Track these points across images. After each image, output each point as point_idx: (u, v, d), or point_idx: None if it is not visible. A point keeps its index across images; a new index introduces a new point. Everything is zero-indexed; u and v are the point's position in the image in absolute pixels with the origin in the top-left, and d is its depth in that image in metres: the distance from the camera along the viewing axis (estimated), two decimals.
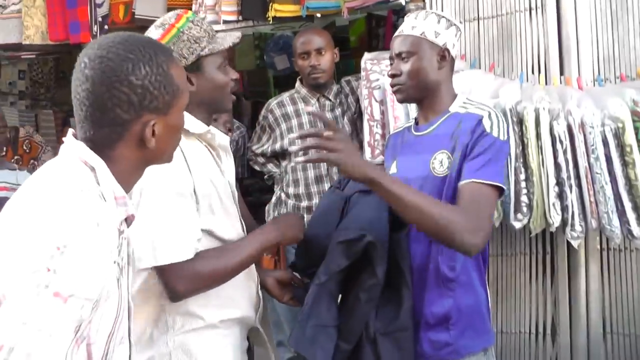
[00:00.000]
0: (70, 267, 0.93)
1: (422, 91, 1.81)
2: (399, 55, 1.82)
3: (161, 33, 1.57)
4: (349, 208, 1.79)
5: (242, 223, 1.70)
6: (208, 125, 1.63)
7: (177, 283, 1.46)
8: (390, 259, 1.68)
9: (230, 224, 1.62)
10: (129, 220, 1.15)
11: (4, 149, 2.98)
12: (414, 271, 1.74)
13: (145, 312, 1.51)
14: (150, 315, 1.53)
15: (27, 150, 4.28)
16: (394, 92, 1.87)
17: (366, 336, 1.69)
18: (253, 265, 1.71)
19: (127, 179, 1.14)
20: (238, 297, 1.63)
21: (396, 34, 1.87)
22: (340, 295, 1.75)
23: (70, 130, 1.15)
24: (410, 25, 1.82)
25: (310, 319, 1.65)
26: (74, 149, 1.10)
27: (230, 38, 1.66)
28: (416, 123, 1.91)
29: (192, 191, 1.50)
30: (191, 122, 1.58)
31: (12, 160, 3.77)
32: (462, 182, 1.65)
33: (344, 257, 1.65)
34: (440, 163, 1.74)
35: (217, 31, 1.68)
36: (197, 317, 1.54)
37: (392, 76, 1.84)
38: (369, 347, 1.69)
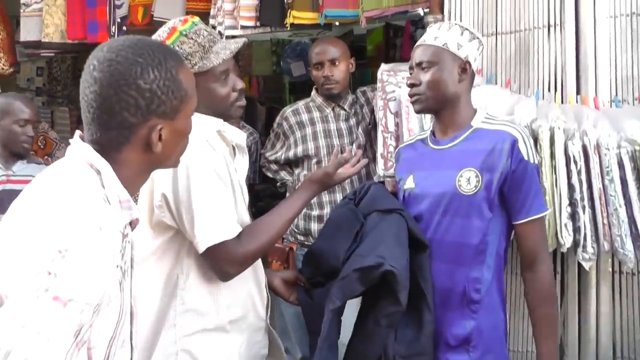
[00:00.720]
0: (71, 271, 0.93)
1: (440, 103, 1.80)
2: (419, 64, 1.81)
3: None
4: (367, 230, 1.76)
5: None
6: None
7: (226, 264, 1.52)
8: (410, 280, 1.66)
9: (240, 219, 1.64)
10: (133, 224, 1.15)
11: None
12: (436, 291, 1.73)
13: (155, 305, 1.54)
14: (160, 311, 1.54)
15: (42, 146, 4.30)
16: (412, 102, 1.85)
17: (385, 358, 1.68)
18: (261, 265, 1.74)
19: (133, 183, 1.14)
20: (246, 296, 1.64)
21: (418, 43, 1.86)
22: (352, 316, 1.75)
23: (77, 132, 1.15)
24: (433, 36, 1.81)
25: (330, 346, 1.67)
26: (80, 151, 1.10)
27: (230, 47, 1.63)
28: (433, 135, 1.88)
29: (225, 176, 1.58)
30: (206, 121, 1.60)
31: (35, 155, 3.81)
32: (521, 221, 1.75)
33: (360, 284, 1.64)
34: (468, 181, 1.73)
35: (233, 36, 1.69)
36: (207, 316, 1.56)
37: (411, 85, 1.82)
38: None
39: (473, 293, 1.72)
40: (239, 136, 1.72)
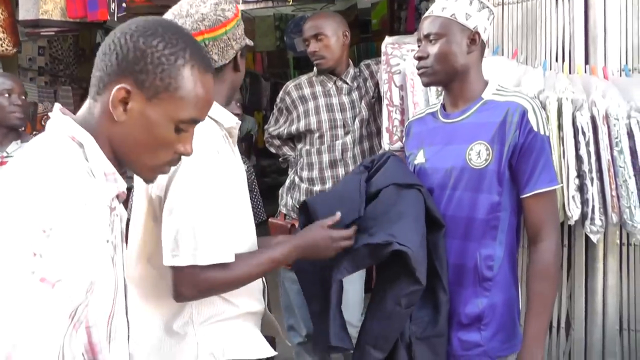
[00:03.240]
0: (57, 251, 0.88)
1: (449, 76, 1.76)
2: (427, 36, 1.76)
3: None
4: (382, 202, 1.71)
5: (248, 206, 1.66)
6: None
7: (186, 287, 1.40)
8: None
9: (243, 215, 1.58)
10: (120, 198, 1.09)
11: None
12: (448, 268, 1.71)
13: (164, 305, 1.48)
14: (170, 309, 1.48)
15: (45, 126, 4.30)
16: (420, 75, 1.80)
17: (401, 339, 1.67)
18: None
19: (112, 159, 1.07)
20: (254, 287, 1.60)
21: (426, 14, 1.81)
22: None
23: (57, 105, 1.09)
24: (441, 6, 1.75)
25: (340, 314, 1.66)
26: (60, 124, 1.04)
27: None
28: (443, 109, 1.85)
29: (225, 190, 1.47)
30: (222, 114, 1.54)
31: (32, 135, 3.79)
32: (527, 195, 1.70)
33: (370, 258, 1.62)
34: (478, 154, 1.70)
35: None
36: (230, 304, 1.51)
37: (419, 58, 1.78)
38: (404, 350, 1.67)
39: (485, 270, 1.70)
40: (232, 121, 1.63)
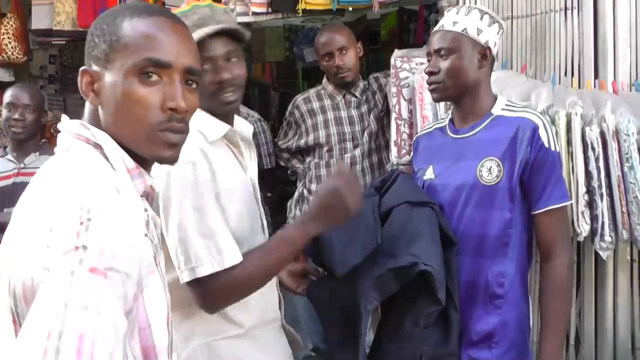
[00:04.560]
0: (100, 240, 0.84)
1: (460, 91, 1.74)
2: (437, 51, 1.74)
3: None
4: (397, 222, 1.68)
5: (262, 221, 1.61)
6: (229, 122, 1.53)
7: (214, 294, 1.37)
8: None
9: (249, 225, 1.52)
10: (150, 197, 1.05)
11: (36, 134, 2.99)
12: (459, 286, 1.69)
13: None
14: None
15: (55, 134, 4.31)
16: (431, 90, 1.79)
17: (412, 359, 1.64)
18: None
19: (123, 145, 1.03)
20: (267, 298, 1.56)
21: (436, 28, 1.80)
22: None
23: (63, 117, 1.06)
24: (452, 21, 1.74)
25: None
26: (71, 129, 1.01)
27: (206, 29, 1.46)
28: (452, 124, 1.83)
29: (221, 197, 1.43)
30: (208, 126, 1.47)
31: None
32: (539, 211, 1.69)
33: (396, 282, 1.58)
34: (489, 171, 1.68)
35: (246, 24, 1.61)
36: (234, 324, 1.47)
37: (430, 73, 1.76)
38: None
39: (496, 287, 1.69)
40: (246, 129, 1.59)
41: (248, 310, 1.48)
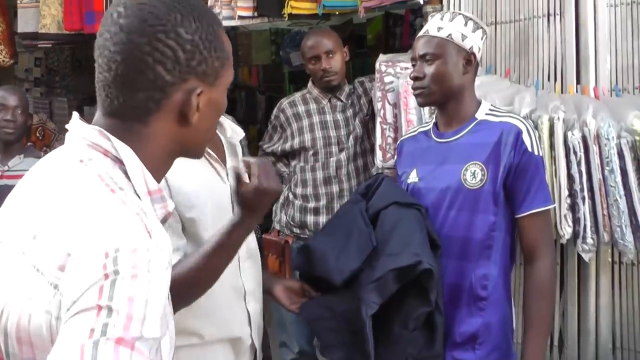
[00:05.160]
0: (128, 301, 0.69)
1: (445, 96, 1.76)
2: (422, 56, 1.76)
3: None
4: (387, 223, 1.67)
5: None
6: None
7: None
8: None
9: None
10: (166, 220, 0.93)
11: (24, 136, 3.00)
12: (443, 288, 1.70)
13: None
14: None
15: (40, 137, 4.31)
16: (416, 95, 1.80)
17: None
18: (239, 275, 1.52)
19: (157, 169, 0.91)
20: (226, 313, 1.49)
21: (421, 33, 1.81)
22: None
23: (75, 115, 0.93)
24: (436, 26, 1.76)
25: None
26: (87, 136, 0.87)
27: None
28: (436, 128, 1.85)
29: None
30: None
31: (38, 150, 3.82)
32: (522, 215, 1.71)
33: (395, 283, 1.58)
34: (473, 175, 1.70)
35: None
36: (193, 335, 1.43)
37: (415, 79, 1.78)
38: None
39: (480, 290, 1.70)
40: (235, 135, 1.53)
41: (209, 321, 1.45)
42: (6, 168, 2.80)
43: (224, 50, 0.95)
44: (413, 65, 1.81)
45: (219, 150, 1.52)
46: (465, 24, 1.75)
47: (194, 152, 1.00)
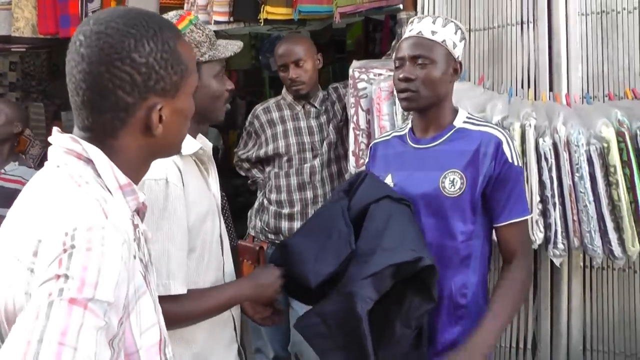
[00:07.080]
0: (82, 268, 0.79)
1: (431, 102, 1.72)
2: (414, 58, 1.68)
3: None
4: (379, 217, 1.64)
5: (222, 238, 1.62)
6: (195, 137, 1.55)
7: None
8: None
9: (208, 242, 1.55)
10: (141, 212, 1.04)
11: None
12: None
13: None
14: None
15: (15, 144, 4.24)
16: (403, 99, 1.73)
17: None
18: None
19: (132, 173, 1.01)
20: (217, 345, 1.57)
21: (411, 34, 1.73)
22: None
23: (55, 129, 1.03)
24: (430, 30, 1.70)
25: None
26: (62, 144, 0.98)
27: (232, 47, 1.59)
28: (412, 133, 1.82)
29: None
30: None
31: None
32: (501, 224, 1.72)
33: (392, 279, 1.56)
34: (452, 183, 1.69)
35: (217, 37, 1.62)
36: (188, 341, 1.49)
37: (406, 80, 1.69)
38: None
39: (460, 298, 1.70)
40: (208, 146, 1.62)
41: (200, 326, 1.50)
42: (2, 171, 2.99)
43: (182, 63, 1.02)
44: (398, 67, 1.73)
45: (203, 163, 1.60)
46: (455, 32, 1.72)
47: (168, 154, 1.11)
